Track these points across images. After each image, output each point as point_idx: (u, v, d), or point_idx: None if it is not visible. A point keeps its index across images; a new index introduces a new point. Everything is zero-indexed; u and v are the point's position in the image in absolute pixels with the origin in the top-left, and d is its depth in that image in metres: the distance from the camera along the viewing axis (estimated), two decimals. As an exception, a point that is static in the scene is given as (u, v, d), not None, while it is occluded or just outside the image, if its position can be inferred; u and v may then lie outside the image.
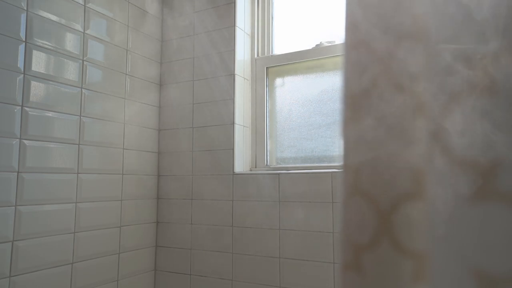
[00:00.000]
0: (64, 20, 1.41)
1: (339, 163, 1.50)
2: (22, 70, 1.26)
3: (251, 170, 1.72)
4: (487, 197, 0.39)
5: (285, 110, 1.70)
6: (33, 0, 1.30)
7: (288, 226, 1.48)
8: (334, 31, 1.64)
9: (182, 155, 1.76)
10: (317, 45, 1.65)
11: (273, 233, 1.51)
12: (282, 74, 1.74)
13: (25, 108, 1.26)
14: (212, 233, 1.65)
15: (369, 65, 0.50)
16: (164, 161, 1.81)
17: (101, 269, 1.51)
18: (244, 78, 1.74)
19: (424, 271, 0.44)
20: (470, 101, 0.41)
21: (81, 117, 1.45)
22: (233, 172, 1.63)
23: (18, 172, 1.24)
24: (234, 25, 1.70)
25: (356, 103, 0.51)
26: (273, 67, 1.75)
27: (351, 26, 0.53)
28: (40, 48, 1.32)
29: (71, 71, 1.42)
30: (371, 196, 0.48)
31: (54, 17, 1.37)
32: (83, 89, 1.47)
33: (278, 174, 1.53)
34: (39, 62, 1.31)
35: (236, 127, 1.66)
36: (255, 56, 1.80)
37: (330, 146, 1.57)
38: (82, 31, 1.47)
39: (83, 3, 1.48)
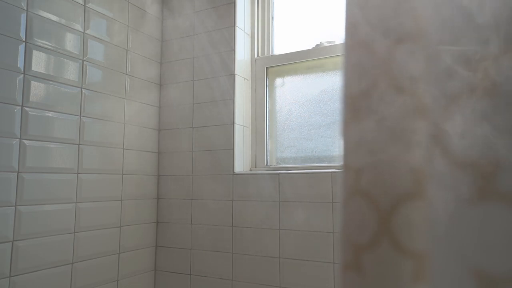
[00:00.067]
0: (64, 20, 1.41)
1: (339, 163, 1.50)
2: (22, 70, 1.26)
3: (251, 170, 1.72)
4: (487, 197, 0.39)
5: (285, 110, 1.70)
6: (33, 0, 1.30)
7: (288, 226, 1.48)
8: (334, 31, 1.64)
9: (182, 155, 1.76)
10: (317, 45, 1.65)
11: (273, 233, 1.51)
12: (282, 74, 1.74)
13: (25, 108, 1.26)
14: (212, 233, 1.65)
15: (369, 66, 0.50)
16: (164, 161, 1.81)
17: (101, 269, 1.51)
18: (244, 78, 1.74)
19: (424, 271, 0.44)
20: (470, 103, 0.41)
21: (81, 117, 1.45)
22: (233, 172, 1.63)
23: (18, 172, 1.24)
24: (234, 25, 1.70)
25: (356, 104, 0.51)
26: (273, 67, 1.75)
27: (351, 26, 0.53)
28: (40, 48, 1.32)
29: (71, 71, 1.42)
30: (371, 196, 0.48)
31: (54, 17, 1.37)
32: (83, 89, 1.47)
33: (278, 174, 1.53)
34: (39, 62, 1.31)
35: (236, 127, 1.66)
36: (255, 56, 1.80)
37: (330, 146, 1.57)
38: (82, 31, 1.47)
39: (83, 3, 1.48)
